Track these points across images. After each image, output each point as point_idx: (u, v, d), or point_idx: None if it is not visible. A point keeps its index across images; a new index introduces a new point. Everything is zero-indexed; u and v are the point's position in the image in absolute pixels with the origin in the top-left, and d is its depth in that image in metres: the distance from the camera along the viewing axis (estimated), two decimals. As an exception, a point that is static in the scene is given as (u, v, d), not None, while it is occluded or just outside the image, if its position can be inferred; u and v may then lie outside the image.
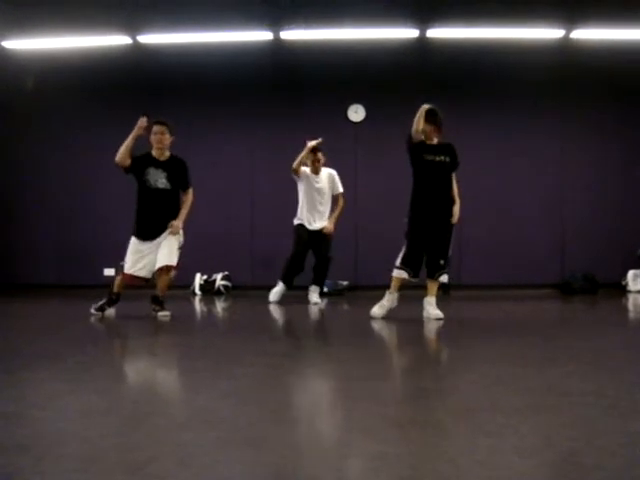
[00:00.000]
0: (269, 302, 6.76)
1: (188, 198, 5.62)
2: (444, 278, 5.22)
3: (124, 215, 9.07)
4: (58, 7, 8.09)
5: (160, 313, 5.42)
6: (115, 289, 5.55)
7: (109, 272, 9.10)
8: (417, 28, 8.39)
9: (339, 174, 7.11)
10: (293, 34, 8.51)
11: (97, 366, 3.27)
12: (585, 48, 8.46)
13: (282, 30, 8.46)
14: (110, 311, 5.56)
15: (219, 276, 8.47)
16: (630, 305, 7.11)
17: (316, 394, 2.75)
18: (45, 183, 9.19)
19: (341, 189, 7.04)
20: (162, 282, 5.50)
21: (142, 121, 5.39)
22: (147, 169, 5.46)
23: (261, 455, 1.79)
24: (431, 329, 4.74)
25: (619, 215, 8.71)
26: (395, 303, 5.25)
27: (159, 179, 5.48)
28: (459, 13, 8.18)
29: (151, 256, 5.45)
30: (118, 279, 5.58)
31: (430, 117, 5.10)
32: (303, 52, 8.69)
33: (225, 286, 8.51)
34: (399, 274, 5.21)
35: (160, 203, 5.49)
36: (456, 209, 5.26)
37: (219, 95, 8.91)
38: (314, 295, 6.89)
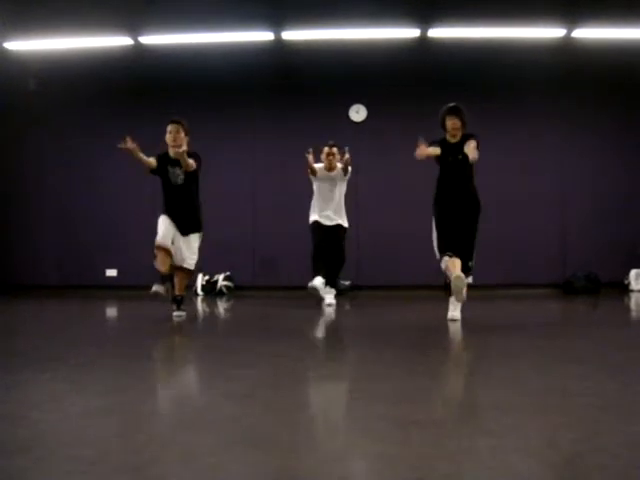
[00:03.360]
0: (319, 295, 6.42)
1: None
2: (469, 279, 5.02)
3: (126, 216, 9.15)
4: (59, 8, 8.10)
5: (175, 313, 5.45)
6: (164, 271, 5.38)
7: (111, 273, 9.12)
8: (418, 28, 8.39)
9: None
10: (294, 34, 8.51)
11: (99, 367, 3.27)
12: (587, 47, 8.45)
13: (283, 30, 8.46)
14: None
15: (221, 277, 8.48)
16: (632, 304, 7.10)
17: (318, 395, 2.74)
18: (46, 184, 9.20)
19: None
20: (181, 281, 5.58)
21: (127, 143, 5.32)
22: (167, 168, 5.51)
23: (263, 456, 1.79)
24: (434, 330, 4.74)
25: (621, 214, 8.69)
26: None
27: (179, 176, 5.52)
28: (460, 12, 8.18)
29: (178, 248, 5.48)
30: (158, 260, 5.38)
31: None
32: (304, 52, 8.69)
33: (227, 286, 8.51)
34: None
35: (182, 199, 5.55)
36: None
37: (221, 95, 8.91)
38: (329, 296, 6.58)
